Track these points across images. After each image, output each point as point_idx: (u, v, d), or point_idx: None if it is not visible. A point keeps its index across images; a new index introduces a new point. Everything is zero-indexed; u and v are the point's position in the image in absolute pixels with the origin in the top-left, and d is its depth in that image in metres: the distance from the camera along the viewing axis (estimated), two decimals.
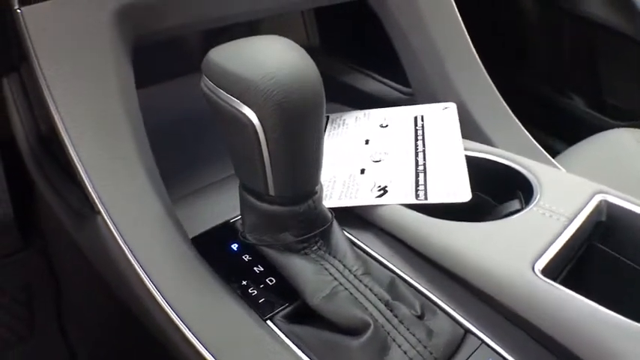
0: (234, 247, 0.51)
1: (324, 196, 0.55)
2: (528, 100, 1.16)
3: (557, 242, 0.47)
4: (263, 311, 0.46)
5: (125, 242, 0.47)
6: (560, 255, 0.47)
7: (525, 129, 0.68)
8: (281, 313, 0.46)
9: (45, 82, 0.49)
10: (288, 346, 0.44)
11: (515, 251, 0.46)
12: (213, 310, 0.45)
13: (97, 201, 0.48)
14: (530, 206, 0.51)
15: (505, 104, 0.68)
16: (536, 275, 0.44)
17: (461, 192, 0.52)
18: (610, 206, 0.52)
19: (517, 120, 0.68)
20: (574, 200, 0.51)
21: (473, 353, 0.44)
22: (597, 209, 0.52)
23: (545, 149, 0.71)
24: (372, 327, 0.42)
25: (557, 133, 1.14)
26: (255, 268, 0.50)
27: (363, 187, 0.55)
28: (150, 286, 0.46)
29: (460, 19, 0.69)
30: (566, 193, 0.53)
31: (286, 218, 0.45)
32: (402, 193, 0.53)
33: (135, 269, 0.46)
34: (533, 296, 0.43)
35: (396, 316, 0.43)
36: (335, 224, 0.49)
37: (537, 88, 1.16)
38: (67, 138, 0.49)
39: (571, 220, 0.49)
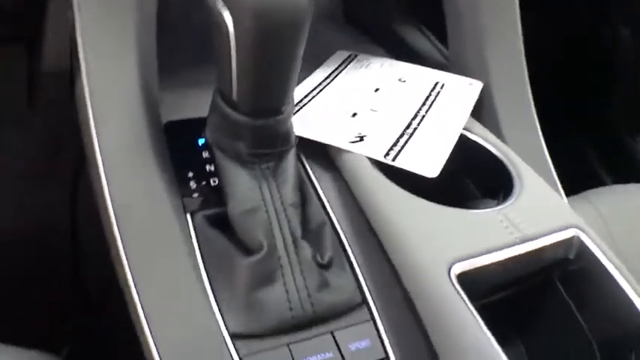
0: (200, 141, 0.52)
1: (303, 122, 0.54)
2: (596, 124, 1.08)
3: (491, 256, 0.43)
4: (189, 205, 0.47)
5: (91, 106, 0.48)
6: (489, 272, 0.43)
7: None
8: (204, 213, 0.47)
9: None
10: (191, 243, 0.45)
11: (444, 245, 0.43)
12: (141, 189, 0.46)
13: (81, 57, 0.49)
14: (496, 208, 0.48)
15: (532, 106, 0.63)
16: (448, 277, 0.41)
17: (430, 167, 0.49)
18: (582, 247, 0.47)
19: (539, 127, 0.63)
20: (543, 223, 0.47)
21: (354, 325, 0.42)
22: (564, 244, 0.47)
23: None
24: (264, 252, 0.42)
25: (611, 167, 1.06)
26: (207, 166, 0.50)
27: (344, 129, 0.53)
28: (98, 158, 0.47)
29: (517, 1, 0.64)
30: (542, 213, 0.49)
31: (243, 128, 0.45)
32: (374, 147, 0.51)
33: (92, 137, 0.48)
34: (429, 294, 0.41)
35: (297, 255, 0.43)
36: (293, 152, 0.48)
37: (609, 116, 1.08)
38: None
39: (523, 241, 0.45)
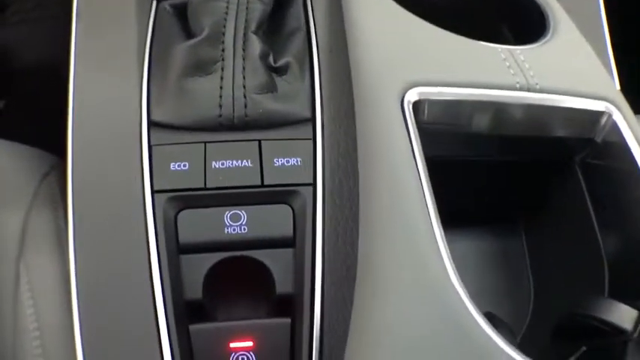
0: None
1: None
2: None
3: (468, 92, 0.34)
4: None
5: None
6: (461, 111, 0.35)
7: None
8: (171, 2, 0.42)
9: None
10: (146, 29, 0.40)
11: (411, 65, 0.35)
12: None
13: None
14: (505, 46, 0.38)
15: None
16: (399, 101, 0.33)
17: None
18: (613, 131, 0.36)
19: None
20: (563, 80, 0.36)
21: (289, 140, 0.36)
22: (587, 117, 0.36)
23: None
24: (202, 36, 0.37)
25: None
26: None
27: None
28: None
29: None
30: (567, 69, 0.38)
31: None
32: None
33: None
34: (373, 117, 0.33)
35: (244, 50, 0.37)
36: None
37: None
38: None
39: (524, 90, 0.35)
